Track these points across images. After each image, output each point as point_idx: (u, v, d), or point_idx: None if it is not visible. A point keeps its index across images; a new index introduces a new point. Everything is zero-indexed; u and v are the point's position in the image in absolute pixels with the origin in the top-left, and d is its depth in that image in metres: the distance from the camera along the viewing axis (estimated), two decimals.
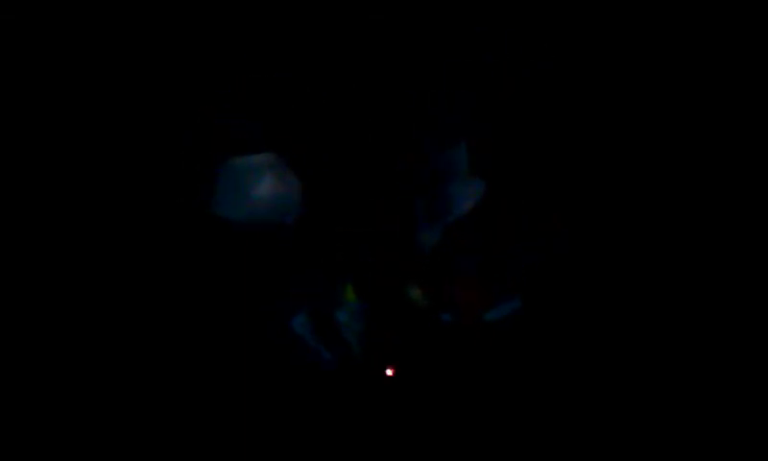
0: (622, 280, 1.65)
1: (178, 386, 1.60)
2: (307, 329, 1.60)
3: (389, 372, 1.61)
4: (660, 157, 1.68)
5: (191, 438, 1.58)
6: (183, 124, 1.68)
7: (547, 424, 1.59)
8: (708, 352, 1.61)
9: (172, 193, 1.66)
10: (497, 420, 1.60)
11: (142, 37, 1.69)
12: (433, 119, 1.68)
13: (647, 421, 1.59)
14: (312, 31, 1.71)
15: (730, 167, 1.67)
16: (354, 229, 1.66)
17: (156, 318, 1.62)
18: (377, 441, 1.59)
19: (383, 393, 1.61)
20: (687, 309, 1.63)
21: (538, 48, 1.70)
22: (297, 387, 1.61)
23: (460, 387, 1.62)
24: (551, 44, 1.70)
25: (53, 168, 1.66)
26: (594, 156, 1.69)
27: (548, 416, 1.60)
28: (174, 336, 1.61)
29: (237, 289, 1.63)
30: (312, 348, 1.60)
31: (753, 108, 1.68)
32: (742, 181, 1.66)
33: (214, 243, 1.64)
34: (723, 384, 1.59)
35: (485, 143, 1.68)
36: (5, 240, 1.63)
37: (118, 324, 1.61)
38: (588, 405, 1.60)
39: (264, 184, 1.59)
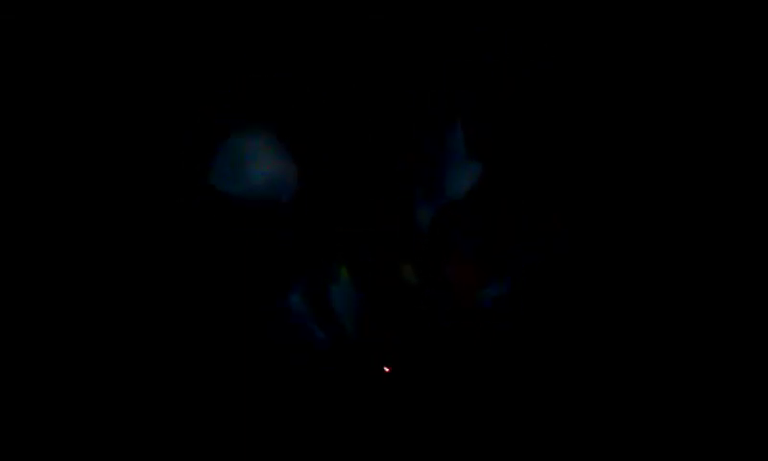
0: (622, 280, 1.65)
1: (173, 371, 1.60)
2: (302, 308, 1.60)
3: (386, 369, 1.61)
4: (660, 157, 1.68)
5: (184, 426, 1.58)
6: (183, 124, 1.68)
7: (547, 424, 1.59)
8: (708, 352, 1.61)
9: (169, 187, 1.66)
10: (497, 420, 1.60)
11: (142, 37, 1.69)
12: (433, 119, 1.68)
13: (647, 421, 1.59)
14: (312, 31, 1.71)
15: (730, 167, 1.67)
16: (354, 228, 1.66)
17: (153, 305, 1.62)
18: (374, 436, 1.59)
19: (380, 387, 1.61)
20: (688, 309, 1.63)
21: (538, 48, 1.70)
22: (293, 379, 1.61)
23: (459, 387, 1.62)
24: (551, 44, 1.70)
25: (53, 168, 1.66)
26: (594, 156, 1.69)
27: (548, 416, 1.60)
28: (171, 322, 1.62)
29: (233, 269, 1.63)
30: (306, 326, 1.60)
31: (753, 108, 1.68)
32: (742, 182, 1.66)
33: (211, 225, 1.64)
34: (723, 384, 1.59)
35: (485, 143, 1.68)
36: (5, 240, 1.63)
37: (115, 310, 1.62)
38: (587, 405, 1.60)
39: (262, 161, 1.60)
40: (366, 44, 1.71)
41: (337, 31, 1.71)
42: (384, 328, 1.62)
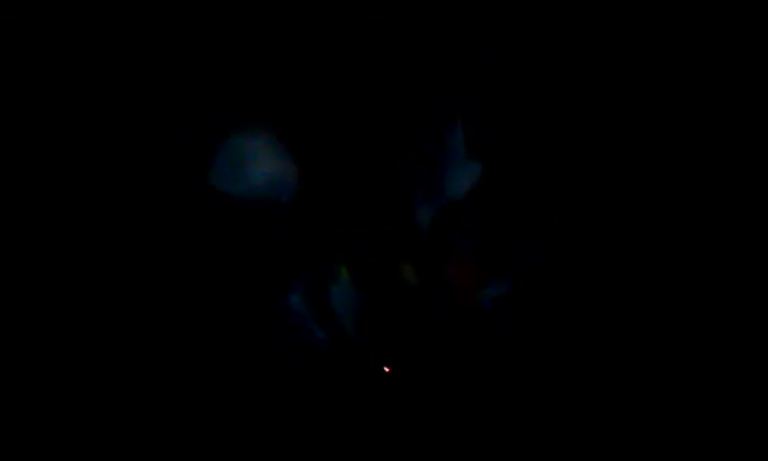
0: (622, 280, 1.65)
1: (172, 369, 1.60)
2: (302, 308, 1.60)
3: (386, 369, 1.61)
4: (660, 157, 1.68)
5: (182, 422, 1.58)
6: (183, 123, 1.68)
7: (547, 424, 1.59)
8: (708, 352, 1.61)
9: (169, 186, 1.66)
10: (497, 420, 1.60)
11: (142, 37, 1.69)
12: (433, 119, 1.68)
13: (647, 421, 1.59)
14: (312, 31, 1.71)
15: (730, 167, 1.67)
16: (354, 228, 1.66)
17: (152, 304, 1.62)
18: (374, 436, 1.59)
19: (380, 387, 1.61)
20: (687, 309, 1.63)
21: (538, 48, 1.70)
22: (293, 379, 1.61)
23: (459, 387, 1.62)
24: (551, 44, 1.70)
25: (53, 167, 1.66)
26: (594, 156, 1.69)
27: (548, 416, 1.60)
28: (171, 321, 1.62)
29: (233, 269, 1.63)
30: (306, 326, 1.60)
31: (753, 108, 1.68)
32: (742, 181, 1.66)
33: (211, 225, 1.64)
34: (723, 384, 1.59)
35: (485, 143, 1.68)
36: (5, 240, 1.63)
37: (115, 308, 1.62)
38: (587, 405, 1.60)
39: (262, 161, 1.60)
40: (366, 44, 1.71)
41: (337, 31, 1.71)
42: (384, 328, 1.63)
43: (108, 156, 1.67)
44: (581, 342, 1.63)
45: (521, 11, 1.71)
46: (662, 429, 1.58)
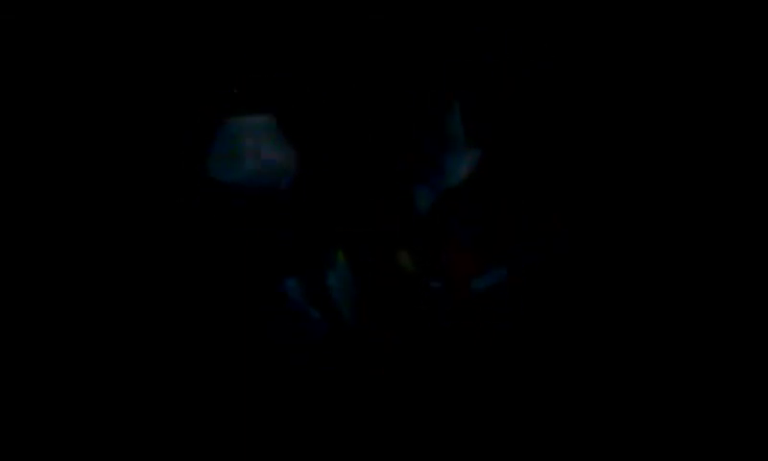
0: (622, 280, 1.65)
1: (170, 357, 1.60)
2: (299, 293, 1.60)
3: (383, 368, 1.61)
4: (660, 157, 1.68)
5: (180, 417, 1.58)
6: (181, 112, 1.68)
7: (547, 424, 1.59)
8: (708, 352, 1.61)
9: (166, 175, 1.66)
10: (497, 420, 1.60)
11: (142, 37, 1.69)
12: (433, 119, 1.68)
13: (647, 421, 1.59)
14: (312, 31, 1.71)
15: (730, 167, 1.67)
16: (352, 215, 1.66)
17: (150, 292, 1.62)
18: (372, 433, 1.59)
19: (377, 381, 1.61)
20: (687, 309, 1.63)
21: (538, 48, 1.70)
22: (290, 368, 1.61)
23: (459, 386, 1.62)
24: (551, 44, 1.71)
25: (53, 166, 1.66)
26: (594, 156, 1.69)
27: (548, 416, 1.60)
28: (169, 307, 1.62)
29: (230, 255, 1.63)
30: (303, 312, 1.60)
31: (753, 108, 1.68)
32: (742, 181, 1.66)
33: (209, 212, 1.64)
34: (723, 384, 1.59)
35: (485, 143, 1.68)
36: (5, 240, 1.63)
37: (115, 294, 1.62)
38: (587, 405, 1.60)
39: (260, 147, 1.60)
40: (366, 44, 1.71)
41: (337, 31, 1.71)
42: (380, 315, 1.62)
43: (106, 144, 1.67)
44: (581, 341, 1.63)
45: (521, 11, 1.71)
46: (662, 429, 1.58)
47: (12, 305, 1.61)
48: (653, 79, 1.70)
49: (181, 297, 1.63)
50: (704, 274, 1.64)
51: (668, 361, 1.61)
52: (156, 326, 1.62)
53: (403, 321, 1.63)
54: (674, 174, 1.68)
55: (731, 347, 1.61)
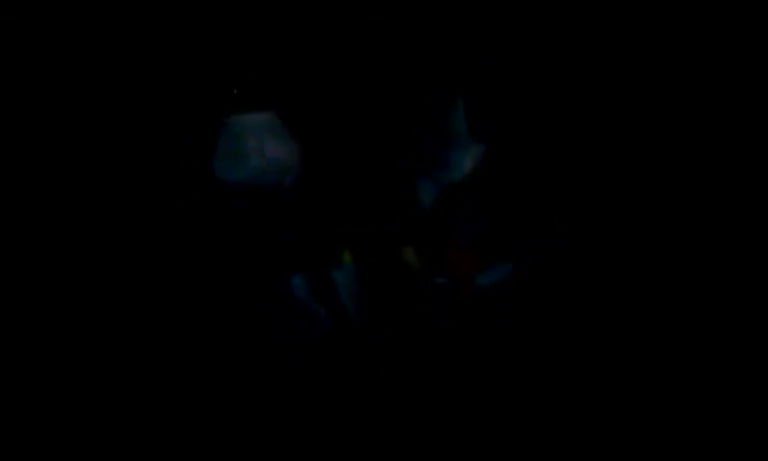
0: (622, 280, 1.65)
1: (175, 355, 1.60)
2: (305, 290, 1.60)
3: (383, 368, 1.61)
4: (660, 157, 1.68)
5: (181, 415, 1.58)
6: (184, 123, 1.68)
7: (547, 424, 1.59)
8: (708, 353, 1.61)
9: (170, 174, 1.66)
10: (497, 420, 1.60)
11: (142, 37, 1.69)
12: (433, 119, 1.68)
13: (647, 421, 1.59)
14: (312, 31, 1.71)
15: (730, 167, 1.67)
16: (354, 228, 1.66)
17: (153, 290, 1.62)
18: (373, 432, 1.59)
19: (378, 380, 1.61)
20: (687, 309, 1.63)
21: (538, 48, 1.70)
22: (294, 364, 1.61)
23: (459, 387, 1.62)
24: (551, 44, 1.70)
25: (53, 166, 1.66)
26: (594, 156, 1.69)
27: (548, 416, 1.60)
28: (173, 305, 1.62)
29: (236, 252, 1.63)
30: (309, 309, 1.60)
31: (753, 108, 1.68)
32: (742, 181, 1.66)
33: (215, 210, 1.64)
34: (723, 384, 1.59)
35: (485, 143, 1.68)
36: (5, 240, 1.63)
37: (118, 303, 1.62)
38: (587, 406, 1.60)
39: (264, 145, 1.60)
40: (366, 44, 1.71)
41: (337, 31, 1.71)
42: (385, 312, 1.62)
43: (108, 144, 1.67)
44: (581, 342, 1.63)
45: (521, 11, 1.71)
46: (662, 429, 1.58)
47: (13, 305, 1.61)
48: (653, 79, 1.70)
49: (188, 296, 1.63)
50: (704, 273, 1.64)
51: (668, 361, 1.61)
52: (162, 324, 1.62)
53: (408, 318, 1.62)
54: (674, 173, 1.68)
55: (731, 347, 1.61)
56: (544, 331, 1.63)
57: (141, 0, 1.69)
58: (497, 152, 1.68)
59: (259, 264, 1.63)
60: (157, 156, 1.67)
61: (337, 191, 1.67)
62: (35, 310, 1.61)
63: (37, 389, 1.59)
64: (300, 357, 1.61)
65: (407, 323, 1.62)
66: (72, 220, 1.65)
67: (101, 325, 1.62)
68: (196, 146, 1.65)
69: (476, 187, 1.64)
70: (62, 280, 1.63)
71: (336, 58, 1.71)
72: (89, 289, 1.63)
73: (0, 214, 1.64)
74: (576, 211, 1.67)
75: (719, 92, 1.69)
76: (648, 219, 1.67)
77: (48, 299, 1.62)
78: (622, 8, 1.70)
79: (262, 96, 1.70)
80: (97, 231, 1.65)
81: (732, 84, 1.68)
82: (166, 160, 1.67)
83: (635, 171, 1.68)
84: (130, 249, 1.64)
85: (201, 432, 1.58)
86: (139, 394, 1.60)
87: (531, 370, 1.62)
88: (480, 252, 1.62)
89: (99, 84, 1.69)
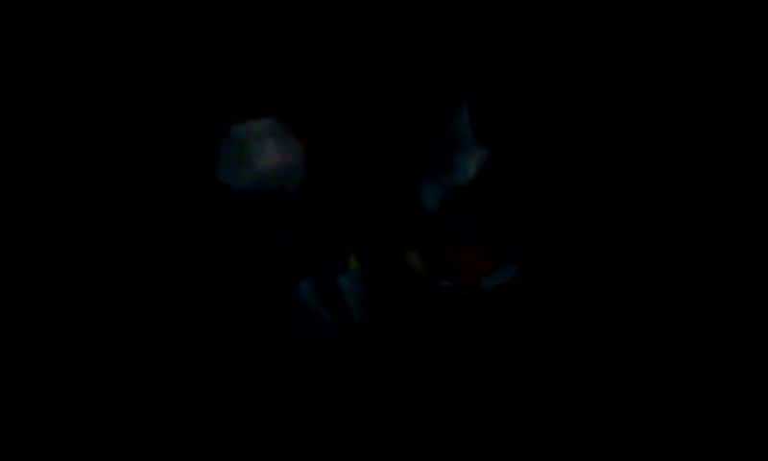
0: (622, 280, 1.65)
1: (176, 359, 1.60)
2: (311, 295, 1.60)
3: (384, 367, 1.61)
4: (660, 157, 1.68)
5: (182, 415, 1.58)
6: (184, 123, 1.68)
7: (547, 424, 1.59)
8: (708, 353, 1.61)
9: (172, 177, 1.66)
10: (497, 420, 1.60)
11: (142, 37, 1.69)
12: (433, 119, 1.68)
13: (647, 421, 1.59)
14: (312, 31, 1.71)
15: (730, 167, 1.67)
16: (354, 228, 1.66)
17: (156, 294, 1.62)
18: (375, 433, 1.59)
19: (381, 381, 1.61)
20: (688, 309, 1.63)
21: (538, 48, 1.70)
22: (298, 367, 1.61)
23: (459, 387, 1.62)
24: (551, 44, 1.70)
25: (53, 166, 1.66)
26: (594, 156, 1.69)
27: (548, 417, 1.60)
28: (176, 310, 1.62)
29: (241, 258, 1.63)
30: (314, 314, 1.60)
31: (753, 108, 1.68)
32: (742, 182, 1.66)
33: (219, 214, 1.64)
34: (723, 384, 1.59)
35: (485, 143, 1.68)
36: (5, 240, 1.63)
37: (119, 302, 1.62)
38: (587, 406, 1.60)
39: (267, 151, 1.60)
40: (366, 44, 1.71)
41: (337, 31, 1.71)
42: (390, 315, 1.62)
43: (110, 147, 1.67)
44: (581, 342, 1.63)
45: (521, 11, 1.71)
46: (662, 429, 1.58)
47: (13, 305, 1.61)
48: (653, 79, 1.70)
49: (188, 297, 1.63)
50: (704, 272, 1.64)
51: (668, 361, 1.61)
52: (165, 326, 1.62)
53: (414, 321, 1.63)
54: (674, 173, 1.68)
55: (731, 347, 1.61)
56: (544, 331, 1.64)
57: (144, 4, 1.69)
58: (498, 152, 1.68)
59: (263, 268, 1.63)
60: (162, 160, 1.67)
61: (341, 194, 1.67)
62: (35, 310, 1.61)
63: (37, 389, 1.59)
64: (300, 358, 1.61)
65: (410, 325, 1.62)
66: (72, 220, 1.65)
67: (103, 325, 1.62)
68: (200, 151, 1.65)
69: (479, 190, 1.64)
70: (63, 281, 1.63)
71: (336, 58, 1.71)
72: (92, 290, 1.63)
73: (1, 215, 1.64)
74: (576, 211, 1.67)
75: (720, 92, 1.69)
76: (648, 219, 1.67)
77: (48, 298, 1.62)
78: (622, 8, 1.70)
79: (262, 97, 1.70)
80: (102, 234, 1.65)
81: (732, 85, 1.68)
82: (170, 165, 1.67)
83: (635, 171, 1.68)
84: (135, 256, 1.64)
85: (201, 432, 1.59)
86: (139, 394, 1.60)
87: (531, 370, 1.62)
88: (485, 252, 1.62)
89: (100, 87, 1.69)
